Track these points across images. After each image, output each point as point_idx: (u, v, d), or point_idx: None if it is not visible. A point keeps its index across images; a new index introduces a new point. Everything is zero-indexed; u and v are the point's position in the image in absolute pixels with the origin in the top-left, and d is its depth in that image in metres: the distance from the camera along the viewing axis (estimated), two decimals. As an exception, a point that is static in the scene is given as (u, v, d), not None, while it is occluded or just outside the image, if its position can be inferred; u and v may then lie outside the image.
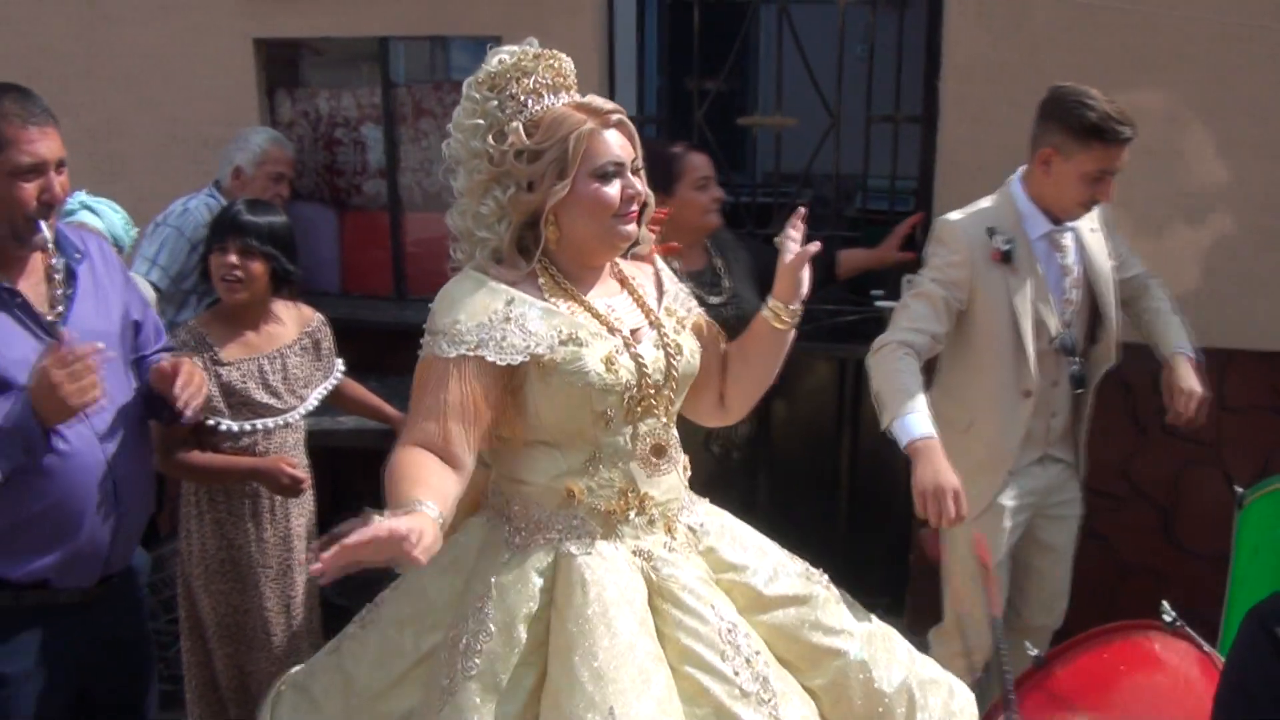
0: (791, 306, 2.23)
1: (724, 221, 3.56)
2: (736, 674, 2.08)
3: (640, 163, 2.18)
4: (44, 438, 2.32)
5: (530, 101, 2.09)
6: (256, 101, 4.45)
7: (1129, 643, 2.78)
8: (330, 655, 2.30)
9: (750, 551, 2.30)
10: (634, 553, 2.17)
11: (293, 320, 3.22)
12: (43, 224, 2.38)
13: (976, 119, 3.79)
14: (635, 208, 2.16)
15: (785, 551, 2.40)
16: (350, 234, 4.62)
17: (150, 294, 3.75)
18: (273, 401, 3.11)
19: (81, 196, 3.60)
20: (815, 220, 5.46)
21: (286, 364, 3.16)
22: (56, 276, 2.47)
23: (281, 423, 3.13)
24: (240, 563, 3.13)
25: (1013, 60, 3.71)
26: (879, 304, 4.19)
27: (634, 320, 2.22)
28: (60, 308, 2.46)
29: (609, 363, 2.10)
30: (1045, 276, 3.08)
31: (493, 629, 2.06)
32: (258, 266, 3.03)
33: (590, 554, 2.13)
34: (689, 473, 2.33)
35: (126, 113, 4.56)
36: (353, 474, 3.92)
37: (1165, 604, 2.75)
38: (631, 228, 2.17)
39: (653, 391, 2.16)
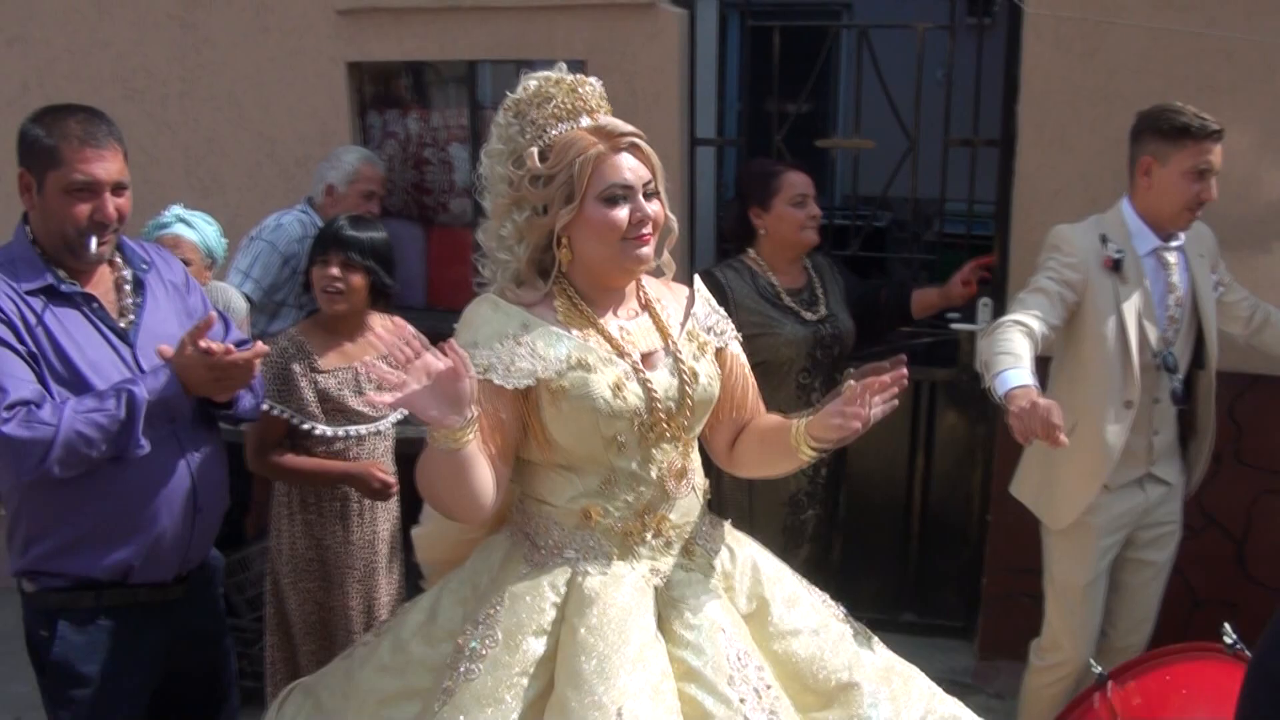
0: (818, 448, 2.19)
1: (820, 240, 3.64)
2: (743, 700, 2.07)
3: (657, 186, 2.17)
4: (191, 404, 2.48)
5: (549, 127, 2.12)
6: (349, 122, 4.59)
7: (1191, 665, 2.79)
8: (343, 661, 2.35)
9: (767, 580, 2.30)
10: (651, 571, 2.19)
11: (387, 332, 3.33)
12: (92, 240, 2.46)
13: (1054, 143, 3.82)
14: (647, 230, 2.15)
15: (804, 581, 2.39)
16: (436, 250, 4.74)
17: (242, 305, 3.91)
18: (365, 409, 3.22)
19: (177, 210, 3.76)
20: (894, 244, 5.52)
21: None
22: (125, 286, 2.58)
23: (373, 430, 3.24)
24: (327, 563, 3.24)
25: (1090, 85, 3.74)
26: (954, 326, 4.25)
27: (648, 344, 2.22)
28: (131, 316, 2.57)
29: (616, 388, 2.11)
30: (1151, 292, 3.14)
31: (500, 636, 2.08)
32: (358, 279, 3.15)
33: (605, 575, 2.15)
34: (709, 496, 2.34)
35: (223, 132, 4.72)
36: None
37: (1227, 626, 2.77)
38: (644, 250, 2.15)
39: (665, 418, 2.17)
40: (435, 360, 1.91)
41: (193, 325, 2.45)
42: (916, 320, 3.96)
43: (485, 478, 2.04)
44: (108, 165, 2.45)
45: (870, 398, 2.08)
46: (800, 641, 2.24)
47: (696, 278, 2.42)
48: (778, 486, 3.52)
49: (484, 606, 2.14)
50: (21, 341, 2.38)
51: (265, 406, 3.12)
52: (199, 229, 3.77)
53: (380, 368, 1.91)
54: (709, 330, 2.33)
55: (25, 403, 2.33)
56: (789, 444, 2.21)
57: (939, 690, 2.35)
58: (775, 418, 2.35)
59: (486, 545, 2.31)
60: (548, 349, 2.10)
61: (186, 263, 3.65)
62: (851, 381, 2.10)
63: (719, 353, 2.33)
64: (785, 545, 3.60)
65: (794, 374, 3.53)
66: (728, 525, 2.39)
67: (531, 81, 2.15)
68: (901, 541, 4.56)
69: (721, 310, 2.41)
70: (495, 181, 2.18)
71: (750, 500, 3.52)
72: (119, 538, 2.50)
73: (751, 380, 2.42)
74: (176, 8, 4.67)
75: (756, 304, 3.50)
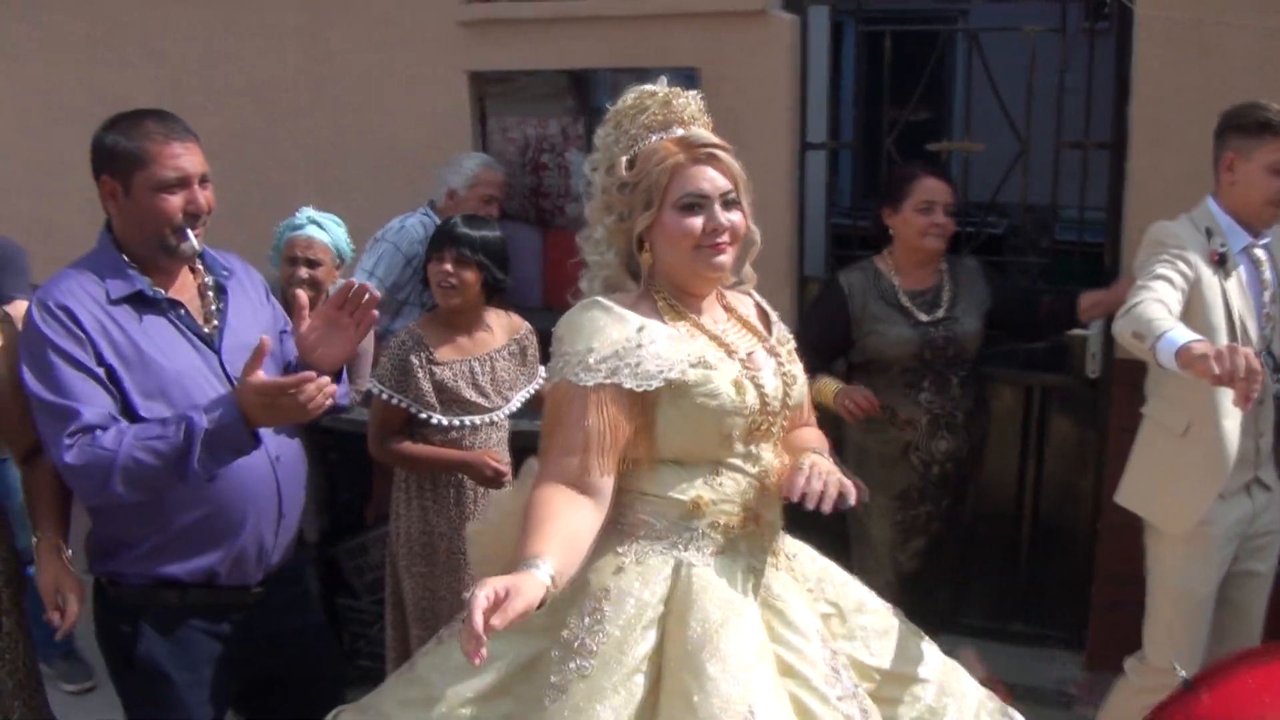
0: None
1: (946, 247, 3.67)
2: (840, 699, 2.12)
3: (737, 195, 2.21)
4: (253, 438, 2.41)
5: (641, 137, 2.20)
6: (469, 128, 4.74)
7: (1275, 666, 2.73)
8: (403, 674, 2.29)
9: (838, 585, 2.37)
10: (747, 569, 2.22)
11: (502, 328, 3.47)
12: (189, 233, 2.49)
13: (1165, 146, 3.78)
14: (722, 239, 2.19)
15: (865, 587, 2.44)
16: (552, 252, 4.86)
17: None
18: (480, 400, 3.35)
19: (309, 212, 3.94)
20: (1010, 249, 5.46)
21: (495, 367, 3.40)
22: (209, 293, 2.61)
23: (487, 420, 3.37)
24: (440, 549, 3.37)
25: (1202, 86, 3.70)
26: (1069, 331, 4.21)
27: (748, 346, 2.28)
28: (215, 322, 2.59)
29: (738, 386, 2.17)
30: (1248, 288, 3.10)
31: (610, 630, 2.09)
32: (470, 275, 3.28)
33: (711, 567, 2.17)
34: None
35: (349, 139, 4.91)
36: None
37: None
38: (721, 259, 2.20)
39: (771, 417, 2.23)
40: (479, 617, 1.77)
41: (251, 357, 2.41)
42: (1084, 324, 3.90)
43: (586, 521, 2.07)
44: (192, 158, 2.48)
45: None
46: (870, 645, 2.31)
47: (750, 289, 2.46)
48: (890, 481, 3.60)
49: (584, 600, 2.14)
50: (101, 361, 2.41)
51: (385, 396, 3.28)
52: (330, 230, 3.94)
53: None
54: (789, 341, 2.41)
55: (89, 428, 2.35)
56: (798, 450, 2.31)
57: (984, 689, 2.44)
58: (802, 435, 2.42)
59: None
60: (669, 348, 2.14)
61: (318, 263, 3.87)
62: (812, 461, 2.19)
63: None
64: (896, 540, 3.66)
65: (901, 373, 3.61)
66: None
67: (630, 94, 2.24)
68: (1011, 549, 4.52)
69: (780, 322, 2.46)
70: (593, 189, 2.28)
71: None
72: (205, 544, 2.52)
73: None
74: (304, 20, 4.88)
75: (872, 303, 3.61)
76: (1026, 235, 4.85)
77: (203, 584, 2.55)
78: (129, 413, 2.42)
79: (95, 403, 2.38)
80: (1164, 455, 2.94)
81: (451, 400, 3.32)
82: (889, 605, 2.43)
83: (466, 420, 3.34)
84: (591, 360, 2.10)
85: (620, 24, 4.39)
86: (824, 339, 3.62)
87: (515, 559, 1.97)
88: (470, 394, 3.33)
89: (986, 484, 4.26)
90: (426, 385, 3.29)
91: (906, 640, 2.36)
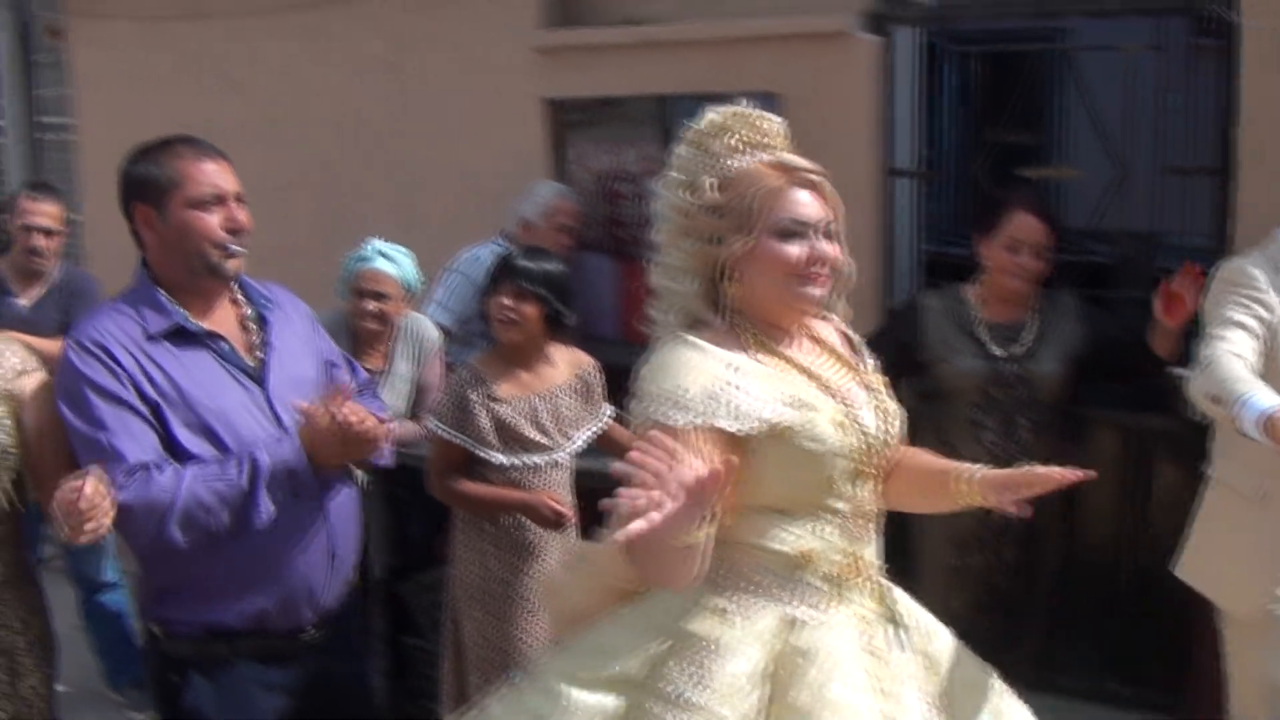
0: (977, 503, 2.11)
1: (1035, 289, 3.41)
2: None
3: (837, 226, 2.10)
4: (315, 481, 2.36)
5: (727, 158, 2.08)
6: (545, 157, 4.68)
7: None
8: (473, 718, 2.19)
9: (931, 633, 2.22)
10: (859, 618, 2.11)
11: (566, 363, 3.36)
12: (232, 248, 2.42)
13: (1275, 171, 3.56)
14: (820, 270, 2.08)
15: (953, 637, 2.29)
16: (629, 283, 4.77)
17: (435, 335, 4.02)
18: (542, 439, 3.24)
19: (377, 244, 3.88)
20: (1121, 280, 5.20)
21: (558, 404, 3.29)
22: (250, 325, 2.52)
23: (549, 460, 3.26)
24: (499, 593, 3.25)
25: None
26: (1171, 370, 3.96)
27: (842, 382, 2.15)
28: (259, 354, 2.50)
29: (840, 426, 2.05)
30: None
31: (714, 686, 1.98)
32: (530, 309, 3.18)
33: (818, 622, 2.06)
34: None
35: (429, 169, 4.90)
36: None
37: None
38: (816, 291, 2.08)
39: (874, 456, 2.11)
40: (690, 472, 1.71)
41: (328, 394, 2.37)
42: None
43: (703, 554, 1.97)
44: (227, 175, 2.44)
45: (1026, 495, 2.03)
46: (960, 696, 2.16)
47: (834, 316, 2.31)
48: (944, 522, 3.33)
49: (686, 652, 2.04)
50: (143, 398, 2.34)
51: (441, 432, 3.19)
52: (398, 263, 3.88)
53: (633, 494, 1.70)
54: (876, 370, 2.28)
55: (145, 467, 2.28)
56: (949, 489, 2.14)
57: None
58: (930, 457, 2.27)
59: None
60: (763, 387, 2.02)
61: (385, 296, 3.82)
62: (1036, 469, 2.04)
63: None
64: (947, 585, 3.43)
65: (965, 407, 3.37)
66: None
67: (712, 113, 2.12)
68: (1107, 604, 4.25)
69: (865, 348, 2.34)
70: (668, 211, 2.14)
71: (917, 533, 3.40)
72: (255, 588, 2.44)
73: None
74: (386, 51, 4.89)
75: (945, 330, 3.40)
76: (1134, 265, 4.60)
77: (253, 630, 2.47)
78: (173, 450, 2.34)
79: (143, 440, 2.31)
80: (1234, 526, 2.64)
81: (512, 438, 3.21)
82: (981, 661, 2.27)
83: (527, 459, 3.23)
84: (684, 399, 1.98)
85: (697, 48, 4.30)
86: (893, 360, 3.38)
87: (606, 607, 1.99)
88: (531, 432, 3.22)
89: (1081, 534, 4.02)
90: (486, 423, 3.19)
91: (991, 693, 2.21)
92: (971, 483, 2.10)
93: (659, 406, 1.97)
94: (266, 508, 2.32)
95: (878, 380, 2.21)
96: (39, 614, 2.70)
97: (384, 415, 2.64)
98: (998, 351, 3.37)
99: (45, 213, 4.27)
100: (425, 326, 4.01)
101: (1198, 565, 3.01)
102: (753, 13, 4.28)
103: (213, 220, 2.41)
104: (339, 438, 2.33)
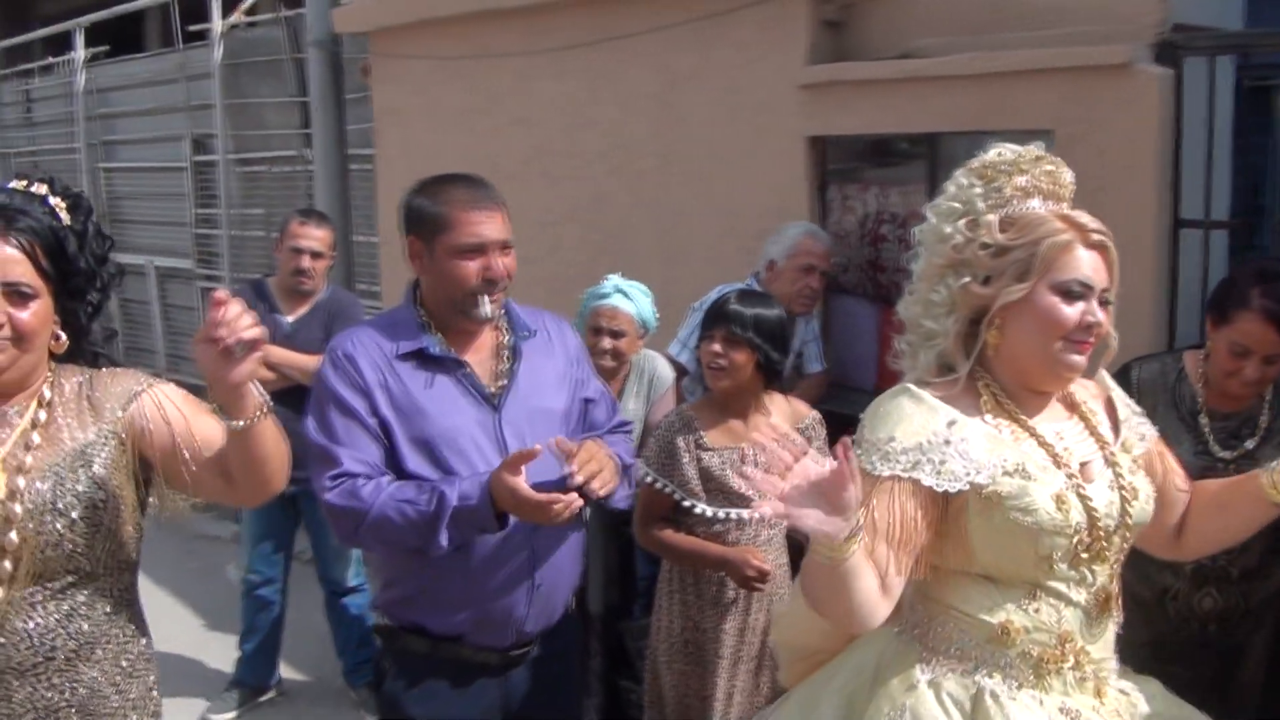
0: None
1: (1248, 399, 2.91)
2: None
3: (1112, 295, 1.98)
4: (498, 520, 2.41)
5: (1015, 199, 1.98)
6: (807, 196, 4.53)
7: None
8: None
9: None
10: (1060, 710, 1.93)
11: (783, 414, 3.20)
12: (484, 299, 2.52)
13: None
14: (1088, 338, 1.96)
15: None
16: (889, 329, 4.53)
17: (669, 373, 3.94)
18: (750, 493, 3.08)
19: (615, 281, 3.85)
20: None
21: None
22: (504, 353, 2.61)
23: (757, 516, 3.10)
24: (699, 646, 3.15)
25: None
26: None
27: (1085, 453, 2.00)
28: (503, 381, 2.58)
29: (1059, 501, 1.90)
30: None
31: None
32: (741, 356, 3.05)
33: (1015, 700, 1.92)
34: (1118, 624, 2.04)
35: (691, 205, 4.84)
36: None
37: None
38: (1079, 359, 1.98)
39: (1103, 536, 1.93)
40: (815, 465, 1.75)
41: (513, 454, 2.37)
42: None
43: (870, 593, 1.87)
44: (493, 225, 2.53)
45: None
46: None
47: (1103, 372, 2.15)
48: (1140, 626, 2.80)
49: (885, 709, 1.99)
50: (375, 412, 2.48)
51: (649, 479, 3.10)
52: (635, 300, 3.85)
53: (758, 475, 1.78)
54: (1141, 438, 2.10)
55: (352, 475, 2.43)
56: (1261, 493, 2.00)
57: None
58: (1217, 483, 2.14)
59: (867, 641, 2.14)
60: (982, 450, 1.93)
61: (621, 333, 3.78)
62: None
63: (1147, 455, 2.10)
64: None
65: None
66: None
67: (1007, 150, 2.03)
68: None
69: (1138, 408, 2.15)
70: (935, 241, 2.05)
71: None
72: (452, 603, 2.54)
73: (1177, 465, 2.18)
74: (658, 87, 4.87)
75: (1162, 408, 2.90)
76: None
77: (452, 638, 2.57)
78: (396, 464, 2.48)
79: (361, 451, 2.46)
80: None
81: (718, 490, 3.09)
82: None
83: (734, 513, 3.10)
84: (891, 449, 1.93)
85: (966, 83, 4.02)
86: None
87: (825, 647, 2.11)
88: (738, 484, 3.08)
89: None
90: (692, 471, 3.08)
91: None
92: (1267, 478, 1.98)
93: (867, 455, 1.95)
94: (445, 539, 2.39)
95: (1129, 456, 2.05)
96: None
97: (630, 460, 2.69)
98: (1220, 452, 2.88)
99: (313, 236, 4.51)
100: (659, 364, 3.94)
101: None
102: (1029, 43, 3.97)
103: (472, 268, 2.51)
104: (516, 501, 2.34)
